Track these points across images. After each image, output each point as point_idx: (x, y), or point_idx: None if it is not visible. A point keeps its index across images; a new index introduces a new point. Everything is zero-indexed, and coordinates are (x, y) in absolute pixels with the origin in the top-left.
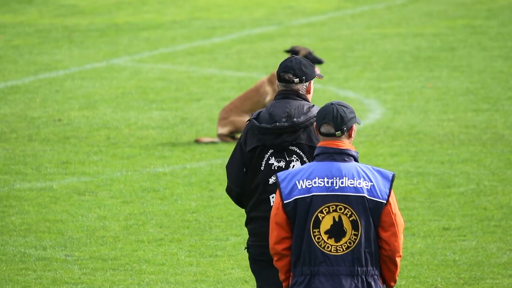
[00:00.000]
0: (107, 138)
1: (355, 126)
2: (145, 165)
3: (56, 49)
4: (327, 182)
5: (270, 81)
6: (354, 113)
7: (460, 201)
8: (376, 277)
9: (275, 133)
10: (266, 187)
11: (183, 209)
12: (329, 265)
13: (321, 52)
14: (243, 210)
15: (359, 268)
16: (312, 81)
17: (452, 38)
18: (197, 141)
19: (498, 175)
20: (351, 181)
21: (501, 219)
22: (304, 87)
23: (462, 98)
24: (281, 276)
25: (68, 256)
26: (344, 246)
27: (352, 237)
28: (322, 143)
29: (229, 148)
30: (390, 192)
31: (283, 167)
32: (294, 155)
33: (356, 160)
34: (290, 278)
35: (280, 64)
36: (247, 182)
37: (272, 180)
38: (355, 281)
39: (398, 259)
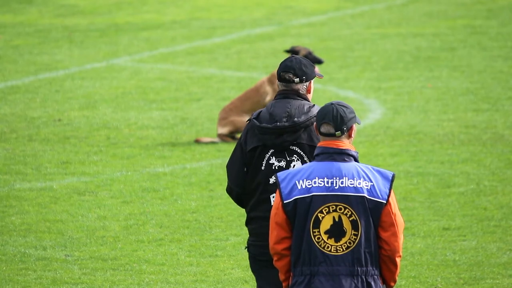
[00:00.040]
0: (107, 138)
1: (355, 126)
2: (145, 165)
3: (56, 49)
4: (327, 182)
5: (270, 81)
6: (354, 113)
7: (460, 201)
8: (376, 277)
9: (275, 133)
10: (267, 187)
11: (183, 209)
12: (329, 265)
13: (321, 52)
14: (243, 210)
15: (359, 268)
16: (312, 81)
17: (452, 38)
18: (197, 141)
19: (498, 175)
20: (351, 181)
21: (501, 219)
22: (305, 86)
23: (462, 98)
24: (281, 276)
25: (68, 256)
26: (344, 246)
27: (352, 237)
28: (322, 143)
29: (229, 148)
30: (390, 192)
31: (284, 166)
32: (294, 155)
33: (356, 160)
34: (290, 278)
35: (280, 64)
36: (248, 182)
37: (272, 180)
38: (355, 281)
39: (398, 259)
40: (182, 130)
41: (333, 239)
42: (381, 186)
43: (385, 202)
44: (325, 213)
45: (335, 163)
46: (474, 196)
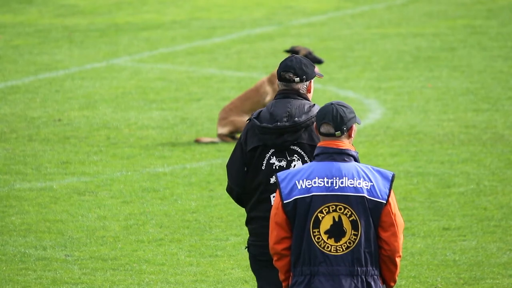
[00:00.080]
0: (107, 138)
1: (355, 126)
2: (145, 165)
3: (56, 49)
4: (327, 182)
5: (270, 81)
6: (354, 113)
7: (460, 201)
8: (376, 277)
9: (276, 133)
10: (267, 187)
11: (183, 209)
12: (329, 265)
13: (321, 52)
14: (243, 210)
15: (358, 268)
16: (312, 80)
17: (452, 38)
18: (197, 141)
19: (498, 175)
20: (351, 181)
21: (501, 219)
22: (305, 86)
23: (462, 98)
24: (281, 276)
25: (68, 256)
26: (344, 246)
27: (352, 237)
28: (322, 143)
29: (229, 148)
30: (390, 192)
31: (284, 166)
32: (295, 155)
33: (356, 160)
34: (290, 278)
35: (280, 64)
36: (248, 182)
37: (273, 179)
38: (355, 281)
39: (398, 259)
40: (182, 130)
41: (333, 239)
42: (381, 186)
43: (385, 202)
44: (325, 213)
45: (335, 163)
46: (474, 196)
